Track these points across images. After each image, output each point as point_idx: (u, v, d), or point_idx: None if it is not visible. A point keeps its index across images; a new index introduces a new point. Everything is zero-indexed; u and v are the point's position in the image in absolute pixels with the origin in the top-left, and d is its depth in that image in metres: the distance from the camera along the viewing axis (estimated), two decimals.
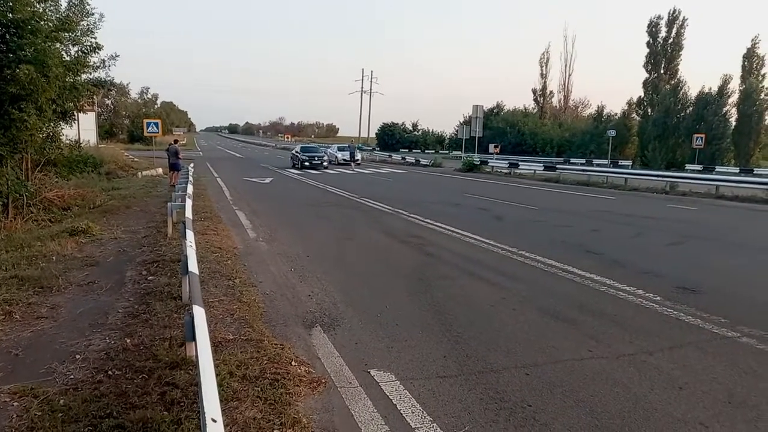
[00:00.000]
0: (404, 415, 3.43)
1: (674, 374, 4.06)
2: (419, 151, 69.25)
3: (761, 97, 46.08)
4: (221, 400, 3.42)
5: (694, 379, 3.99)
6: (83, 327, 4.84)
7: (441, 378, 3.98)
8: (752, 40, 48.76)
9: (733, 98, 46.63)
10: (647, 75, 51.81)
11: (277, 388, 3.61)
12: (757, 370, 4.17)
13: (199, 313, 3.47)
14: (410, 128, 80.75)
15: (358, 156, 38.44)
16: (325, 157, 33.08)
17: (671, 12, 50.86)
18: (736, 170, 37.03)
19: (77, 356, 4.18)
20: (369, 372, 4.05)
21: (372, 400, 3.63)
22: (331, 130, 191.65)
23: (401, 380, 3.92)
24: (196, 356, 3.06)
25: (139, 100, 75.71)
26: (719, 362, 4.31)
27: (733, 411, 3.53)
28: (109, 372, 3.84)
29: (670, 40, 50.92)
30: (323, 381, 3.86)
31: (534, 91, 68.56)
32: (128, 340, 4.41)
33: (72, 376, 3.82)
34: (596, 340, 4.75)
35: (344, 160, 36.58)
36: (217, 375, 3.62)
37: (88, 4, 12.75)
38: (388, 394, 3.71)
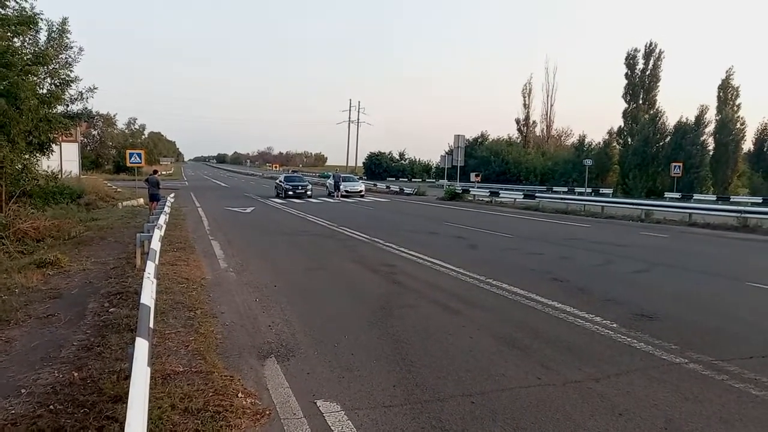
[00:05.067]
0: None
1: (616, 401, 4.12)
2: (406, 179, 69.88)
3: (737, 127, 47.31)
4: None
5: (635, 405, 4.05)
6: (34, 361, 4.81)
7: (386, 407, 4.00)
8: (727, 71, 50.30)
9: (710, 128, 47.88)
10: (626, 105, 53.16)
11: (218, 420, 3.62)
12: (698, 396, 4.24)
13: (141, 345, 3.49)
14: (397, 157, 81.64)
15: (360, 187, 35.90)
16: (309, 186, 33.23)
17: (648, 45, 52.59)
18: (713, 198, 37.76)
19: (23, 390, 4.16)
20: (315, 402, 4.07)
21: (313, 430, 3.64)
22: (319, 159, 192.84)
23: (346, 410, 3.94)
24: (129, 389, 3.07)
25: (126, 131, 75.69)
26: (663, 388, 4.38)
27: None
28: (51, 406, 3.82)
29: (648, 72, 52.44)
30: (267, 412, 3.87)
31: (517, 121, 69.93)
32: (76, 374, 4.39)
33: (14, 411, 3.80)
34: (546, 368, 4.81)
35: (346, 191, 34.19)
36: (158, 408, 3.67)
37: (68, 38, 13.00)
38: (330, 424, 3.73)
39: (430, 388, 4.37)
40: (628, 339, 5.63)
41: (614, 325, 6.10)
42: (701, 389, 4.37)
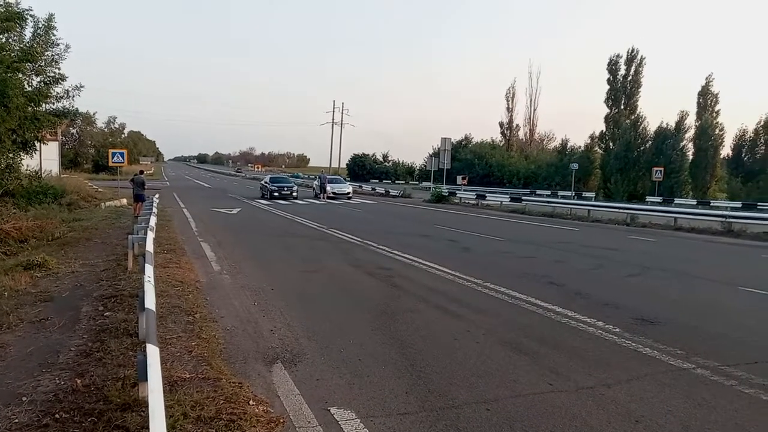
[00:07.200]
0: None
1: (631, 407, 4.11)
2: (390, 181, 69.96)
3: (716, 133, 48.22)
4: None
5: (650, 411, 4.04)
6: (32, 367, 4.64)
7: (402, 415, 3.94)
8: (706, 78, 51.28)
9: (690, 133, 48.77)
10: (608, 110, 53.74)
11: (233, 429, 3.52)
12: (710, 401, 4.25)
13: (153, 352, 3.38)
14: (381, 159, 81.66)
15: (348, 188, 35.36)
16: (295, 188, 33.01)
17: (630, 51, 53.21)
18: (694, 202, 38.45)
19: (24, 398, 4.00)
20: (329, 410, 3.98)
21: None
22: (302, 161, 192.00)
23: (362, 418, 3.86)
24: (148, 398, 2.96)
25: (106, 130, 74.53)
26: (675, 394, 4.39)
27: None
28: (57, 415, 3.67)
29: (629, 78, 53.05)
30: (281, 421, 3.78)
31: (501, 125, 70.37)
32: (79, 381, 4.24)
33: (17, 420, 3.65)
34: (556, 373, 4.79)
35: (333, 193, 33.61)
36: (170, 416, 3.54)
37: (54, 35, 12.70)
38: None
39: (443, 394, 4.31)
40: (633, 344, 5.64)
41: (617, 330, 6.11)
42: (712, 395, 4.39)
